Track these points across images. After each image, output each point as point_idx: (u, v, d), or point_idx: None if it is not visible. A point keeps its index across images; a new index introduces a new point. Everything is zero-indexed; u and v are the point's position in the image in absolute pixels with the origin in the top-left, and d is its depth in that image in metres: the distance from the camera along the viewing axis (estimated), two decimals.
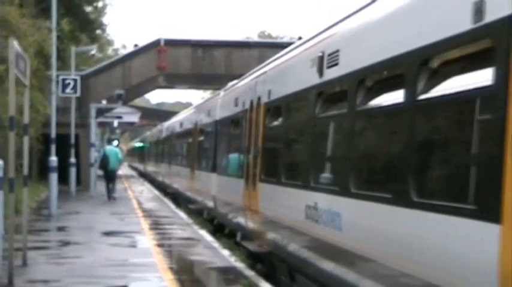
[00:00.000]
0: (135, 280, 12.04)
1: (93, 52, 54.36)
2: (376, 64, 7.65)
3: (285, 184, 11.28)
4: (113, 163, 29.91)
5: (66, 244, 16.31)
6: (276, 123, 12.45)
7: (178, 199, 30.74)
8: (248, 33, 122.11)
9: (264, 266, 13.66)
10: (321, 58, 9.58)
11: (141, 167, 67.07)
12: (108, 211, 25.03)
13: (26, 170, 13.19)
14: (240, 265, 13.29)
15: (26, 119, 13.17)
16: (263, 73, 13.94)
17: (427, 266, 6.19)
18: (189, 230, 19.16)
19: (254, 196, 13.42)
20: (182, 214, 23.96)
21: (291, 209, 10.74)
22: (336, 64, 8.99)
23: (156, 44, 37.18)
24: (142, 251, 15.29)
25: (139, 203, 28.95)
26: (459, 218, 5.62)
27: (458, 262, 5.64)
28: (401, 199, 6.67)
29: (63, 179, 29.81)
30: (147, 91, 40.02)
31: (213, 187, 19.14)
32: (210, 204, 19.75)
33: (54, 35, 26.28)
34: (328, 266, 9.09)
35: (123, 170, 70.04)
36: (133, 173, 74.38)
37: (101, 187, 32.59)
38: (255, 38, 79.37)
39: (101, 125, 44.68)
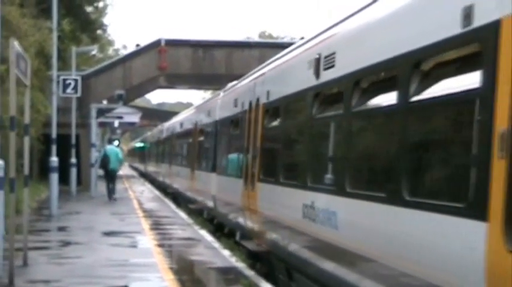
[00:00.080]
0: (135, 280, 12.05)
1: (93, 52, 54.39)
2: (370, 66, 7.82)
3: (282, 184, 11.42)
4: (113, 163, 29.92)
5: (66, 244, 16.32)
6: (274, 124, 12.61)
7: (178, 199, 30.76)
8: (249, 33, 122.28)
9: (263, 265, 13.71)
10: (318, 60, 9.75)
11: (141, 167, 67.10)
12: (108, 211, 25.04)
13: (26, 170, 13.19)
14: (240, 265, 13.30)
15: (27, 119, 13.18)
16: (262, 74, 14.10)
17: (419, 263, 6.35)
18: (190, 230, 19.17)
19: (253, 195, 13.55)
20: (183, 214, 23.97)
21: (289, 209, 10.86)
22: (332, 66, 9.17)
23: (156, 44, 37.19)
24: (143, 252, 15.30)
25: (140, 204, 28.96)
26: (449, 216, 5.80)
27: (449, 258, 5.80)
28: (394, 198, 6.84)
29: (64, 180, 29.83)
30: (148, 91, 40.04)
31: (213, 187, 19.22)
32: (210, 204, 19.82)
33: (54, 35, 26.29)
34: (324, 264, 9.21)
35: (124, 170, 70.08)
36: (134, 173, 74.38)
37: (101, 187, 32.60)
38: (255, 38, 79.44)
39: (101, 125, 44.64)
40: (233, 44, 38.43)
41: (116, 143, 52.61)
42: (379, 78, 7.88)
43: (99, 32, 49.30)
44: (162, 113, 77.74)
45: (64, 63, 37.63)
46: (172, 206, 28.02)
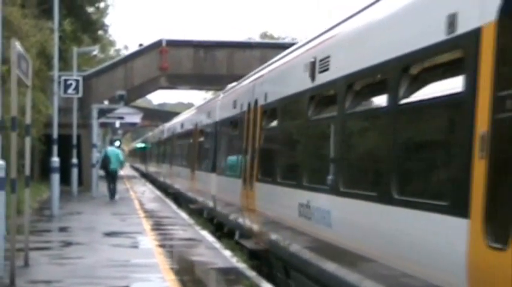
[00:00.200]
0: (136, 281, 12.05)
1: (95, 53, 54.37)
2: (362, 70, 8.09)
3: (279, 184, 11.67)
4: (114, 164, 29.96)
5: (68, 244, 16.32)
6: (271, 125, 12.92)
7: (179, 199, 30.78)
8: (250, 33, 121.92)
9: (262, 263, 13.84)
10: (313, 63, 10.04)
11: (142, 167, 67.09)
12: (110, 211, 25.05)
13: (27, 171, 13.19)
14: (241, 266, 13.30)
15: (28, 119, 13.18)
16: (260, 76, 14.38)
17: (407, 259, 6.62)
18: (191, 231, 19.17)
19: (251, 195, 13.79)
20: (184, 215, 23.97)
21: (286, 208, 11.10)
22: (327, 69, 9.46)
23: (158, 44, 37.19)
24: (144, 252, 15.30)
25: (141, 204, 28.96)
26: (434, 214, 6.08)
27: (434, 254, 6.07)
28: (384, 197, 7.11)
29: (65, 180, 29.83)
30: (149, 92, 40.02)
31: (213, 187, 19.40)
32: (210, 204, 19.96)
33: (56, 35, 26.28)
34: (320, 262, 9.41)
35: (125, 170, 70.08)
36: (135, 173, 74.36)
37: (102, 187, 32.60)
38: (256, 38, 79.34)
39: (102, 125, 44.67)
40: (234, 45, 38.42)
41: (117, 143, 52.64)
42: (370, 81, 8.14)
43: (100, 32, 49.36)
44: (163, 114, 77.72)
45: (65, 64, 37.63)
46: (174, 206, 28.02)
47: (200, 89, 51.03)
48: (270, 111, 12.94)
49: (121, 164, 31.24)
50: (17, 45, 11.31)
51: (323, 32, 10.31)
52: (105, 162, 30.14)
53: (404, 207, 6.67)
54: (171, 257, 14.64)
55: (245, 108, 15.13)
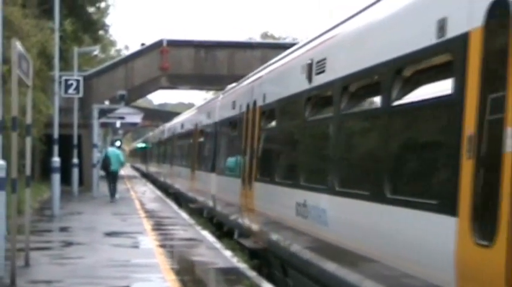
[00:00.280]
0: (137, 281, 12.05)
1: (95, 53, 54.38)
2: (357, 72, 8.30)
3: (277, 183, 11.86)
4: (114, 165, 29.98)
5: (68, 244, 16.32)
6: (270, 125, 13.15)
7: (179, 199, 30.80)
8: (251, 34, 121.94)
9: (261, 262, 13.95)
10: (310, 65, 10.25)
11: (143, 167, 67.09)
12: (110, 211, 25.05)
13: (28, 171, 13.20)
14: (242, 266, 13.30)
15: (29, 119, 13.18)
16: (259, 77, 14.59)
17: (399, 256, 6.82)
18: (192, 231, 19.18)
19: (250, 195, 13.98)
20: (184, 215, 23.98)
21: (284, 207, 11.26)
22: (323, 71, 9.66)
23: (158, 44, 37.18)
24: (145, 252, 15.30)
25: (142, 204, 28.96)
26: (424, 212, 6.29)
27: (425, 250, 6.27)
28: (377, 196, 7.32)
29: (66, 180, 29.83)
30: (150, 92, 40.02)
31: (213, 187, 19.57)
32: (210, 203, 20.11)
33: (56, 35, 26.29)
34: (316, 261, 9.57)
35: (126, 170, 70.08)
36: (136, 173, 74.34)
37: (103, 187, 32.60)
38: (257, 38, 79.37)
39: (103, 125, 44.67)
40: (235, 45, 38.42)
41: (118, 143, 52.63)
42: (365, 83, 8.35)
43: (101, 32, 49.38)
44: (164, 114, 77.74)
45: (66, 64, 37.63)
46: (174, 206, 28.02)
47: (201, 89, 51.04)
48: (269, 112, 13.15)
49: (121, 165, 31.27)
50: (18, 45, 11.31)
51: (320, 34, 10.53)
52: (105, 163, 30.15)
53: (397, 206, 6.87)
54: (171, 257, 14.64)
55: (244, 109, 15.32)
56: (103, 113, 36.78)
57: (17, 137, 11.72)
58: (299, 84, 10.73)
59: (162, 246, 16.10)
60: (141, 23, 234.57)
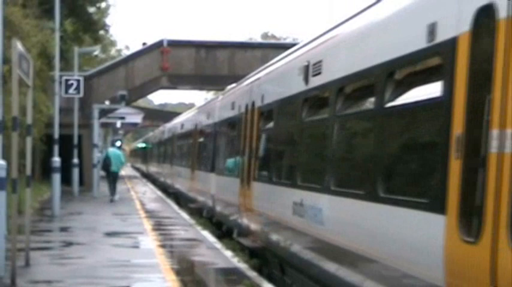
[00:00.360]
0: (137, 281, 12.05)
1: (96, 53, 54.30)
2: (352, 74, 8.53)
3: (275, 183, 12.08)
4: (114, 165, 29.98)
5: (68, 244, 16.32)
6: (268, 126, 13.36)
7: (179, 198, 30.82)
8: (251, 34, 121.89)
9: (260, 261, 14.05)
10: (307, 67, 10.48)
11: (143, 167, 67.09)
12: (111, 211, 25.05)
13: (28, 171, 13.20)
14: (242, 266, 13.31)
15: (29, 119, 13.19)
16: (257, 79, 14.80)
17: (391, 253, 7.04)
18: (192, 231, 19.18)
19: (249, 194, 14.20)
20: (185, 215, 23.98)
21: (281, 206, 11.45)
22: (319, 73, 9.88)
23: (159, 44, 37.16)
24: (145, 252, 15.30)
25: (142, 204, 28.97)
26: (415, 211, 6.51)
27: (415, 247, 6.49)
28: (370, 195, 7.53)
29: (66, 180, 29.82)
30: (150, 92, 39.99)
31: (212, 187, 19.75)
32: (209, 203, 20.26)
33: (57, 35, 26.30)
34: (312, 259, 9.77)
35: (126, 170, 70.05)
36: (137, 173, 74.33)
37: (103, 187, 32.61)
38: (258, 38, 79.41)
39: (103, 125, 44.67)
40: (236, 45, 38.40)
41: (118, 143, 52.62)
42: (359, 85, 8.59)
43: (101, 32, 49.33)
44: (165, 114, 77.73)
45: (66, 64, 37.62)
46: (175, 206, 28.03)
47: (201, 89, 51.02)
48: (267, 113, 13.37)
49: (122, 165, 31.28)
50: (18, 45, 11.31)
51: (316, 37, 10.79)
52: (106, 163, 30.15)
53: (389, 205, 7.09)
54: (172, 257, 14.65)
55: (243, 109, 15.54)
56: (103, 113, 36.77)
57: (17, 137, 11.72)
58: (296, 85, 10.95)
59: (163, 246, 16.10)
60: (142, 23, 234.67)
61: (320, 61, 9.90)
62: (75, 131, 31.33)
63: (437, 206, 6.01)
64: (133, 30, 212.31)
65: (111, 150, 31.24)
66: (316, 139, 10.45)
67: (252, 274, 12.48)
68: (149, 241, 17.09)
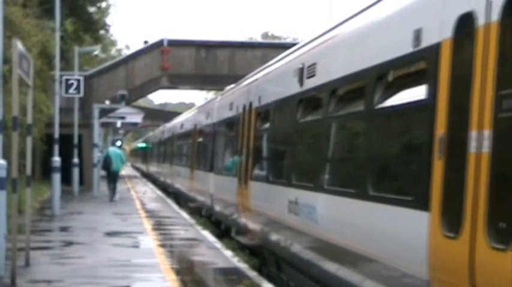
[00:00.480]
0: (137, 281, 12.06)
1: (96, 52, 54.30)
2: (344, 77, 8.80)
3: (271, 182, 12.35)
4: (115, 165, 29.97)
5: (69, 244, 16.33)
6: (264, 126, 13.65)
7: (179, 198, 30.84)
8: (251, 33, 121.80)
9: (257, 259, 14.19)
10: (302, 69, 10.71)
11: (144, 167, 67.09)
12: (111, 211, 25.05)
13: (29, 171, 13.21)
14: (242, 266, 13.32)
15: (30, 119, 13.19)
16: (255, 80, 15.07)
17: (380, 249, 7.34)
18: (192, 231, 19.19)
19: (246, 193, 14.45)
20: (185, 214, 23.99)
21: (277, 205, 11.70)
22: (313, 75, 10.13)
23: (159, 44, 37.16)
24: (145, 252, 15.31)
25: (142, 204, 28.98)
26: (402, 208, 6.82)
27: (401, 243, 6.81)
28: (361, 194, 7.80)
29: (66, 180, 29.82)
30: (150, 92, 39.99)
31: (211, 186, 19.95)
32: (208, 202, 20.42)
33: (57, 35, 26.29)
34: (307, 256, 10.02)
35: (126, 170, 70.05)
36: (137, 173, 74.32)
37: (104, 187, 32.61)
38: (258, 38, 79.38)
39: (104, 125, 44.67)
40: (236, 45, 38.40)
41: (119, 143, 52.63)
42: (351, 88, 8.87)
43: (101, 32, 49.30)
44: (165, 114, 77.75)
45: (67, 64, 37.63)
46: (175, 206, 28.04)
47: (201, 89, 51.00)
48: (264, 113, 13.65)
49: (122, 164, 31.29)
50: (19, 45, 11.32)
51: (311, 40, 11.10)
52: (107, 162, 30.14)
53: (378, 203, 7.39)
54: (172, 257, 14.65)
55: (241, 110, 15.81)
56: (104, 112, 36.77)
57: (17, 137, 11.72)
58: (291, 87, 11.22)
59: (163, 246, 16.11)
60: (142, 23, 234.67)
61: (314, 64, 10.16)
62: (76, 131, 31.33)
63: (422, 203, 6.31)
64: (134, 30, 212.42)
65: (112, 149, 31.24)
66: (310, 140, 10.77)
67: (252, 274, 12.49)
68: (149, 240, 17.10)
